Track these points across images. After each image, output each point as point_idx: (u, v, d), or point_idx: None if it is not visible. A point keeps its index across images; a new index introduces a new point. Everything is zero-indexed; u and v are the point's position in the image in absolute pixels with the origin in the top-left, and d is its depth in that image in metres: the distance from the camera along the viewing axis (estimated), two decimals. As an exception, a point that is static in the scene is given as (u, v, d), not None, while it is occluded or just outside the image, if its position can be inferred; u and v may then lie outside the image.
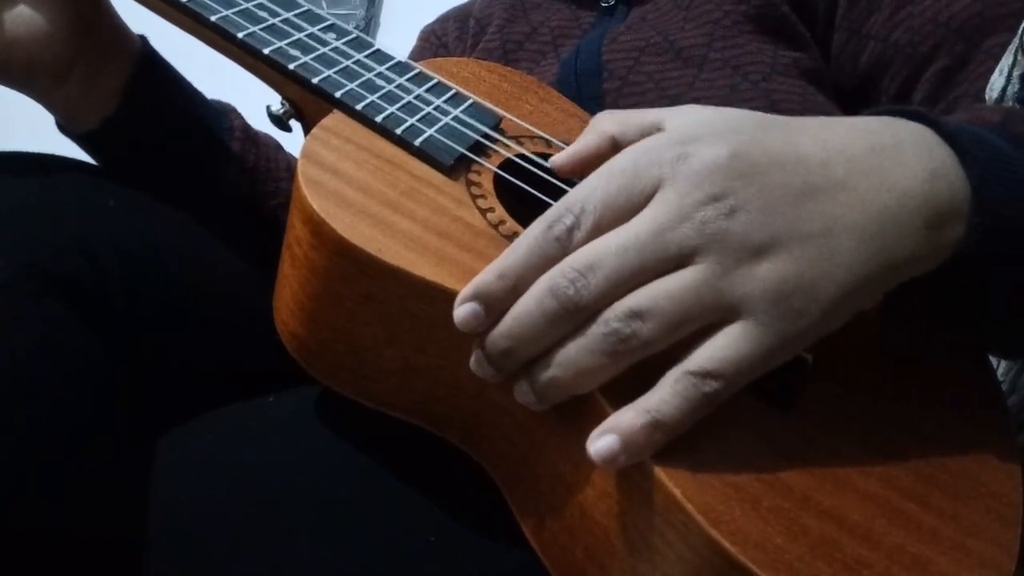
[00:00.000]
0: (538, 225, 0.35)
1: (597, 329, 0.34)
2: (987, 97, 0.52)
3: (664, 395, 0.33)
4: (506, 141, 0.49)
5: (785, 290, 0.33)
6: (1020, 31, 0.49)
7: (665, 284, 0.33)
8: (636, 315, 0.33)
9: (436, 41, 0.87)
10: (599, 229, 0.34)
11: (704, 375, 0.33)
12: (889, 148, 0.36)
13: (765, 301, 0.33)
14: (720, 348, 0.33)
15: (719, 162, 0.33)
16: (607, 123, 0.41)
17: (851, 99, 0.65)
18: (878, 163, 0.35)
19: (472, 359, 0.37)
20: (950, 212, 0.35)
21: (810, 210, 0.34)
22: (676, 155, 0.34)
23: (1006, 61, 0.50)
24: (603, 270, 0.33)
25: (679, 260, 0.33)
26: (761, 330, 0.33)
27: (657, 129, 0.38)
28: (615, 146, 0.41)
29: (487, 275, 0.36)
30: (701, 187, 0.33)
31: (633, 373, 0.34)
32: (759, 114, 0.37)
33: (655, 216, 0.33)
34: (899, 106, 0.40)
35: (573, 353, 0.34)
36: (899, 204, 0.34)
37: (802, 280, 0.33)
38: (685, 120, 0.37)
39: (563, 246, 0.34)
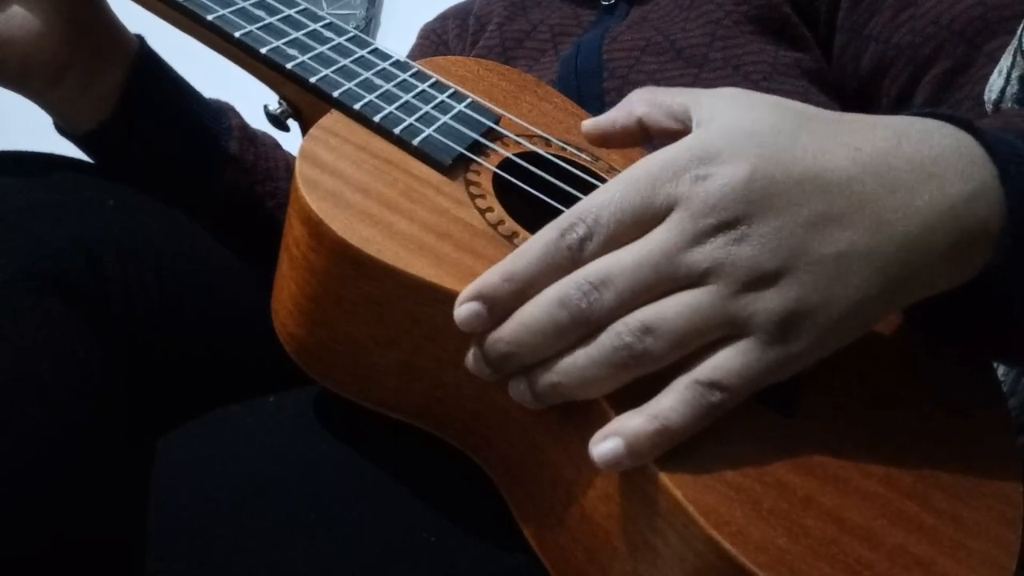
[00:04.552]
0: (549, 231, 0.35)
1: (608, 341, 0.34)
2: (986, 99, 0.52)
3: (672, 402, 0.33)
4: (505, 140, 0.49)
5: (790, 314, 0.33)
6: (1019, 33, 0.49)
7: (676, 301, 0.33)
8: (648, 330, 0.33)
9: (436, 39, 0.86)
10: (612, 243, 0.34)
11: (711, 385, 0.33)
12: (927, 162, 0.34)
13: (770, 323, 0.33)
14: (728, 359, 0.33)
15: (736, 185, 0.33)
16: (637, 103, 0.41)
17: (852, 100, 0.65)
18: (911, 180, 0.34)
19: (469, 356, 0.37)
20: (982, 234, 0.35)
21: (826, 235, 0.33)
22: (694, 175, 0.34)
23: (1005, 62, 0.50)
24: (616, 286, 0.33)
25: (690, 280, 0.33)
26: (766, 348, 0.33)
27: (684, 114, 0.39)
28: (641, 127, 0.41)
29: (492, 276, 0.35)
30: (715, 212, 0.33)
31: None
32: (797, 112, 0.36)
33: (669, 237, 0.33)
34: (943, 111, 0.39)
35: (581, 363, 0.34)
36: (925, 229, 0.34)
37: (809, 304, 0.33)
38: (713, 123, 0.36)
39: (574, 256, 0.34)
